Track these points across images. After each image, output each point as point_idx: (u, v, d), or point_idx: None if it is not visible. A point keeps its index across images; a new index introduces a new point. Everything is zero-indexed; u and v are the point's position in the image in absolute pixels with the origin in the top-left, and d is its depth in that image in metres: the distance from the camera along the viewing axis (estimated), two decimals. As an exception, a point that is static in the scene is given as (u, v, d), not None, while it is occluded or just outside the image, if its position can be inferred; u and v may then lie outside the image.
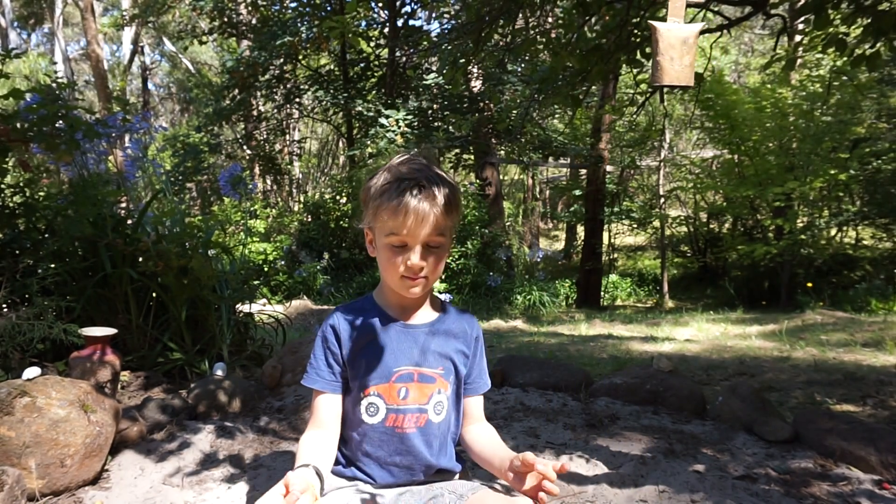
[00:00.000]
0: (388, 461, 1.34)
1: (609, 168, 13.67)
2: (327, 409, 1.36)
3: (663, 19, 2.12)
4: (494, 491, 1.28)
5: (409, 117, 9.62)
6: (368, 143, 9.67)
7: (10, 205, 3.18)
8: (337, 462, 1.38)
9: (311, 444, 1.32)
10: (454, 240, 1.44)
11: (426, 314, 1.40)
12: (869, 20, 2.82)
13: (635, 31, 3.41)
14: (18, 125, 2.89)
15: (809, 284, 9.02)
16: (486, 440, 1.43)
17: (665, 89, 2.37)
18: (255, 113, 13.78)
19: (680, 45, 2.06)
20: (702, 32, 2.39)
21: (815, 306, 7.44)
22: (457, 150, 11.84)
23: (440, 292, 9.17)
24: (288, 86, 12.55)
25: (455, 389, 1.40)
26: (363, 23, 11.72)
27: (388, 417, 1.32)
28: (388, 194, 1.21)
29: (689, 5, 3.30)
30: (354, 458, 1.37)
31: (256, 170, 14.08)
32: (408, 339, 1.34)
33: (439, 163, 1.33)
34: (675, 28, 2.08)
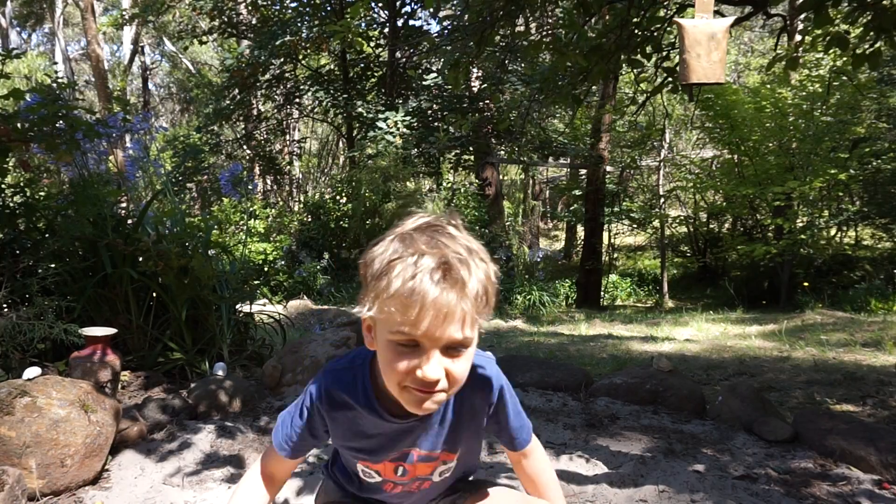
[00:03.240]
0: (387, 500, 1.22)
1: (609, 168, 13.67)
2: (282, 470, 1.19)
3: (665, 19, 2.12)
4: (511, 489, 1.25)
5: (408, 118, 9.61)
6: (368, 144, 9.67)
7: (11, 205, 3.18)
8: (334, 461, 1.26)
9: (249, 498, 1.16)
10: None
11: None
12: (870, 17, 2.82)
13: (636, 31, 3.40)
14: (19, 125, 2.89)
15: (806, 284, 9.02)
16: (527, 487, 1.27)
17: (696, 87, 2.34)
18: (254, 113, 13.78)
19: (707, 42, 2.05)
20: (733, 24, 2.37)
21: (814, 306, 7.44)
22: (457, 151, 11.84)
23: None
24: (288, 86, 12.55)
25: (466, 453, 1.20)
26: (363, 23, 11.72)
27: (385, 484, 1.17)
28: (397, 277, 0.85)
29: (690, 5, 3.30)
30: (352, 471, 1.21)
31: (256, 170, 14.07)
32: (408, 430, 1.08)
33: (466, 226, 0.97)
34: (701, 24, 2.06)
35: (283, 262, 9.75)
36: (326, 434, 1.13)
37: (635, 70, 3.64)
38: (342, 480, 1.23)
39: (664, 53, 3.64)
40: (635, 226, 14.60)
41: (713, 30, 2.05)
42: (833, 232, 10.69)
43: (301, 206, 12.67)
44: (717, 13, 4.08)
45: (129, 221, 3.42)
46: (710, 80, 2.08)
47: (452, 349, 0.90)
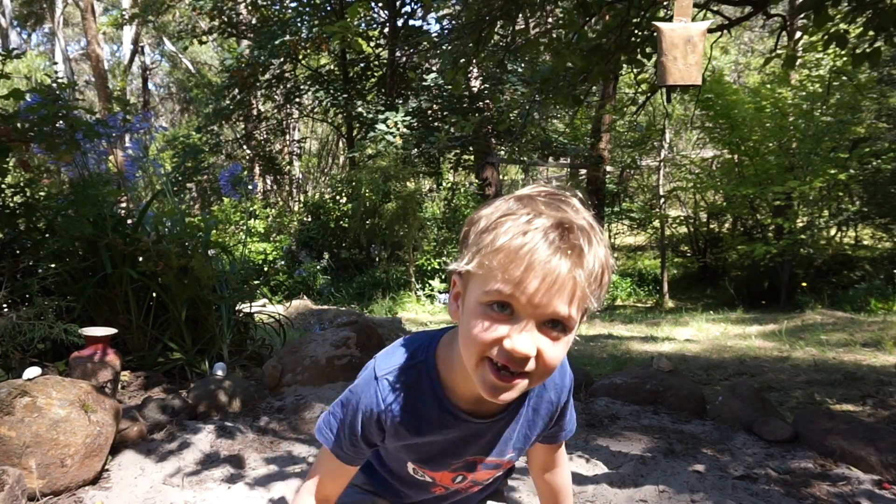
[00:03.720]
0: (418, 499, 1.12)
1: (609, 168, 13.67)
2: (340, 480, 1.04)
3: (666, 19, 2.13)
4: None
5: (409, 118, 9.62)
6: (368, 144, 9.68)
7: (11, 205, 3.18)
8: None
9: None
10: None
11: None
12: (869, 16, 2.83)
13: (636, 31, 3.41)
14: (19, 125, 2.89)
15: (805, 284, 9.02)
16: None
17: (673, 89, 2.37)
18: (254, 113, 13.78)
19: (683, 45, 2.06)
20: (710, 31, 2.39)
21: (814, 306, 7.44)
22: (457, 151, 11.84)
23: (440, 292, 9.17)
24: (288, 86, 12.56)
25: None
26: (363, 23, 11.72)
27: (435, 487, 1.07)
28: (507, 231, 0.74)
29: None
30: (381, 471, 1.12)
31: (256, 170, 14.08)
32: (475, 431, 0.96)
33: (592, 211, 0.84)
34: (678, 27, 2.08)
35: (283, 262, 9.76)
36: (384, 441, 0.99)
37: (635, 70, 3.65)
38: (374, 463, 1.11)
39: (664, 53, 3.64)
40: (635, 226, 14.60)
41: (690, 33, 2.07)
42: (833, 232, 10.69)
43: (301, 206, 12.67)
44: (717, 13, 4.09)
45: (129, 221, 3.42)
46: (687, 82, 2.10)
47: (552, 327, 0.76)
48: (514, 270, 0.73)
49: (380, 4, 11.64)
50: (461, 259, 0.79)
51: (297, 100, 13.21)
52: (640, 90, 4.24)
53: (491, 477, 1.07)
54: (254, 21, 12.21)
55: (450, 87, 8.77)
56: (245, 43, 12.85)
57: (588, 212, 0.81)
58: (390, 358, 0.96)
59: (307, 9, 11.15)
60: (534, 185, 0.83)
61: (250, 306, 3.71)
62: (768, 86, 9.94)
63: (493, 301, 0.75)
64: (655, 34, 2.13)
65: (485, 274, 0.75)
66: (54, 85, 3.21)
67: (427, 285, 9.30)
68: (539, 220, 0.74)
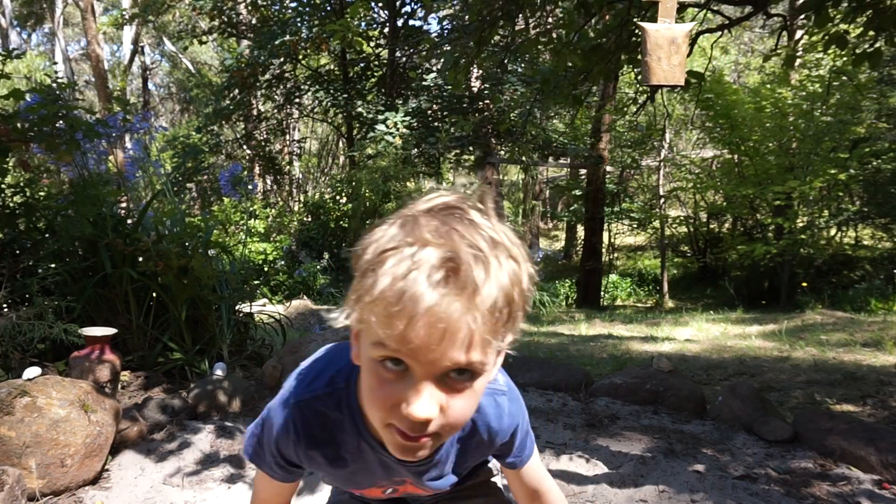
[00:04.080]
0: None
1: (609, 168, 13.68)
2: (283, 497, 1.00)
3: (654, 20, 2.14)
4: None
5: (408, 118, 9.62)
6: (368, 144, 9.68)
7: (11, 205, 3.18)
8: None
9: None
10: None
11: None
12: (869, 16, 2.83)
13: (636, 31, 3.40)
14: (19, 125, 2.89)
15: (804, 284, 9.02)
16: None
17: (661, 89, 2.39)
18: (254, 113, 13.78)
19: (667, 46, 2.07)
20: (700, 33, 2.40)
21: (814, 306, 7.44)
22: (457, 151, 11.85)
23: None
24: (288, 86, 12.56)
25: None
26: (363, 23, 11.72)
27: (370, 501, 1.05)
28: (386, 273, 0.63)
29: (689, 5, 3.30)
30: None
31: (256, 170, 14.08)
32: (401, 467, 0.89)
33: (501, 210, 0.73)
34: (663, 28, 2.09)
35: (283, 262, 9.75)
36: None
37: (635, 70, 3.65)
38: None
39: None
40: (635, 226, 14.61)
41: (674, 34, 2.09)
42: (833, 232, 10.69)
43: (301, 206, 12.67)
44: (718, 13, 4.09)
45: (129, 221, 3.42)
46: (670, 82, 2.12)
47: (458, 375, 0.66)
48: (396, 324, 0.62)
49: (380, 4, 11.64)
50: (348, 301, 0.68)
51: (297, 100, 13.20)
52: (640, 90, 4.23)
53: (434, 492, 1.00)
54: (254, 21, 12.21)
55: (450, 87, 8.77)
56: (245, 43, 12.86)
57: (492, 221, 0.69)
58: (307, 381, 0.88)
59: (307, 9, 11.15)
60: (430, 196, 0.71)
61: (250, 306, 3.71)
62: (768, 86, 9.95)
63: (383, 357, 0.66)
64: (640, 34, 2.14)
65: (369, 328, 0.66)
66: (54, 85, 3.22)
67: (427, 285, 9.30)
68: (422, 253, 0.63)
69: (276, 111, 13.90)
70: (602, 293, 12.33)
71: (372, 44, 12.04)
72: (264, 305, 5.82)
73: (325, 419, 0.85)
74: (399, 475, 0.91)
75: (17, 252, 3.11)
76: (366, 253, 0.67)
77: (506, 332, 0.68)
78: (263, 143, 13.99)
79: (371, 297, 0.63)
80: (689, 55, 2.26)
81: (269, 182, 15.06)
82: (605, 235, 14.65)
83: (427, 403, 0.65)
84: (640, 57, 3.51)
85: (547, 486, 1.05)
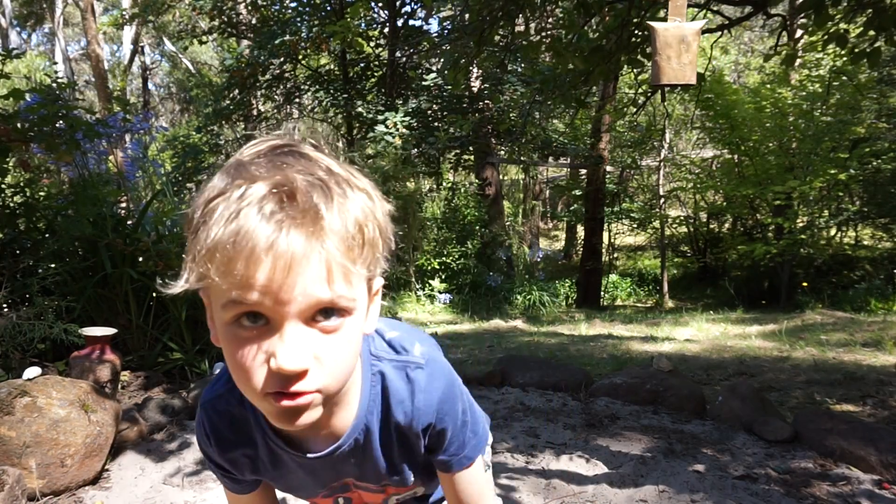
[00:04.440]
0: None
1: (609, 168, 13.68)
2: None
3: (664, 19, 2.13)
4: None
5: (408, 118, 9.62)
6: (368, 144, 9.69)
7: (11, 205, 3.18)
8: None
9: None
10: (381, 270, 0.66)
11: (342, 417, 0.77)
12: (869, 15, 2.83)
13: (636, 32, 3.41)
14: (19, 125, 2.89)
15: (804, 284, 9.03)
16: None
17: (668, 89, 2.38)
18: (254, 113, 13.78)
19: (678, 44, 2.07)
20: (704, 32, 2.39)
21: (814, 306, 7.44)
22: (457, 151, 11.85)
23: (440, 292, 9.19)
24: (288, 86, 12.56)
25: (430, 474, 0.91)
26: (363, 23, 11.72)
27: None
28: (221, 216, 0.56)
29: (689, 5, 3.30)
30: None
31: (256, 170, 14.08)
32: (320, 466, 0.80)
33: (335, 148, 0.69)
34: (672, 27, 2.09)
35: (283, 262, 9.75)
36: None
37: (635, 70, 3.65)
38: None
39: (664, 53, 3.64)
40: (635, 226, 14.61)
41: (684, 33, 2.08)
42: (833, 232, 10.69)
43: (301, 205, 12.63)
44: (718, 13, 4.09)
45: (129, 221, 3.42)
46: (681, 81, 2.11)
47: (324, 316, 0.59)
48: (236, 267, 0.55)
49: (380, 4, 11.64)
50: (185, 268, 0.59)
51: (297, 100, 13.21)
52: (640, 90, 4.24)
53: (386, 501, 0.91)
54: (254, 21, 12.21)
55: (450, 87, 8.77)
56: (245, 43, 12.86)
57: (329, 157, 0.63)
58: (214, 381, 0.81)
59: (307, 9, 11.15)
60: (255, 141, 0.64)
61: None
62: (768, 86, 9.95)
63: (237, 315, 0.58)
64: (649, 33, 2.14)
65: (212, 287, 0.59)
66: (54, 85, 3.22)
67: (427, 285, 9.30)
68: (252, 189, 0.56)
69: (276, 111, 13.90)
70: (602, 293, 12.33)
71: (372, 44, 12.05)
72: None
73: (232, 418, 0.78)
74: (334, 478, 0.83)
75: (17, 252, 3.11)
76: (195, 210, 0.59)
77: (367, 263, 0.61)
78: (263, 144, 13.98)
79: (205, 248, 0.56)
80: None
81: (269, 182, 15.05)
82: (605, 235, 14.65)
83: (296, 351, 0.58)
84: (650, 57, 3.52)
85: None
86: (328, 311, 0.59)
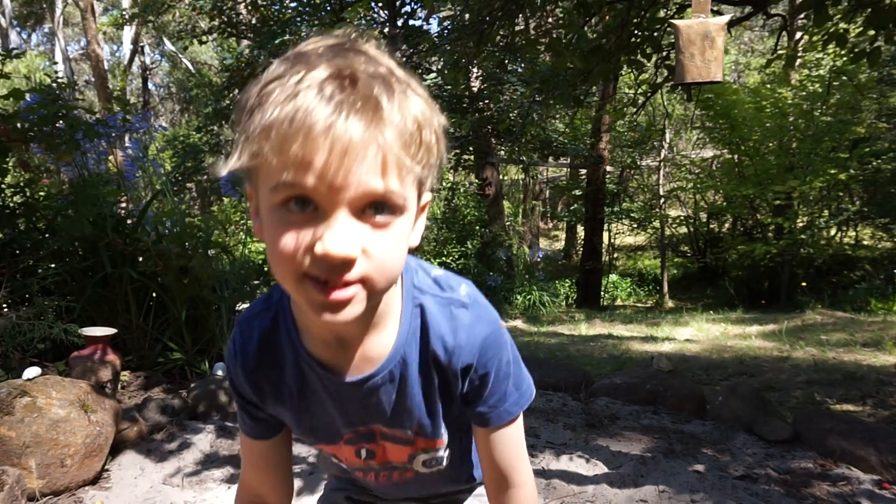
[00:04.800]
0: (377, 492, 0.96)
1: (609, 168, 13.68)
2: (259, 467, 0.87)
3: (665, 19, 2.13)
4: None
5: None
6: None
7: (11, 205, 3.18)
8: None
9: None
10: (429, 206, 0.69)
11: (379, 343, 0.74)
12: (868, 14, 2.83)
13: (636, 32, 3.41)
14: (19, 125, 2.89)
15: (804, 284, 9.03)
16: None
17: (693, 87, 2.33)
18: (255, 113, 13.78)
19: (701, 41, 2.05)
20: (731, 24, 2.36)
21: (814, 306, 7.44)
22: (457, 150, 11.85)
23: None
24: (288, 85, 12.56)
25: (460, 438, 0.88)
26: (363, 23, 11.72)
27: (353, 474, 0.91)
28: (278, 98, 0.55)
29: (689, 5, 3.30)
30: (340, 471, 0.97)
31: (256, 170, 14.08)
32: (349, 398, 0.76)
33: (398, 55, 0.67)
34: (695, 24, 2.07)
35: (283, 262, 9.76)
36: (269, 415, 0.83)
37: (635, 70, 3.65)
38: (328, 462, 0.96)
39: (664, 53, 3.65)
40: (635, 226, 14.61)
41: (707, 29, 2.06)
42: (833, 232, 10.70)
43: (301, 205, 12.65)
44: (717, 13, 4.09)
45: (129, 221, 3.42)
46: (706, 78, 2.08)
47: (374, 211, 0.58)
48: (292, 149, 0.54)
49: (380, 4, 11.65)
50: (234, 153, 0.58)
51: (297, 100, 13.21)
52: (640, 91, 4.24)
53: (412, 459, 0.85)
54: (254, 21, 12.22)
55: (450, 87, 8.76)
56: (245, 43, 12.86)
57: (390, 59, 0.62)
58: (255, 303, 0.80)
59: (307, 9, 11.16)
60: (312, 38, 0.63)
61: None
62: (768, 86, 9.95)
63: (286, 199, 0.56)
64: (672, 32, 2.12)
65: (264, 167, 0.57)
66: (54, 85, 3.22)
67: (427, 285, 9.32)
68: (313, 73, 0.55)
69: (275, 111, 13.89)
70: (602, 293, 12.33)
71: (372, 44, 12.04)
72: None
73: (264, 337, 0.77)
74: (362, 417, 0.78)
75: (17, 252, 3.11)
76: (250, 97, 0.59)
77: (422, 165, 0.59)
78: (263, 143, 14.00)
79: (260, 127, 0.55)
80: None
81: (269, 182, 15.05)
82: (605, 235, 14.65)
83: (345, 237, 0.56)
84: (650, 57, 3.52)
85: (519, 481, 0.84)
86: (379, 205, 0.58)
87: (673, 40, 3.32)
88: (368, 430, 0.80)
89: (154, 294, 3.17)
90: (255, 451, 0.86)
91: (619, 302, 13.08)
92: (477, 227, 9.95)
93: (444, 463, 0.87)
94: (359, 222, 0.57)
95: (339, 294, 0.58)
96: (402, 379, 0.75)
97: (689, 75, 2.08)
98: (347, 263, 0.57)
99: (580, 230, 15.56)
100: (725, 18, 2.13)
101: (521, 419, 0.85)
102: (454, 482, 0.95)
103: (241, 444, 0.87)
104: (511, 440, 0.84)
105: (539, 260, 12.72)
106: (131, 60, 20.79)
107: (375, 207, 0.58)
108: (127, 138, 3.88)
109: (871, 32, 2.91)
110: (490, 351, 0.77)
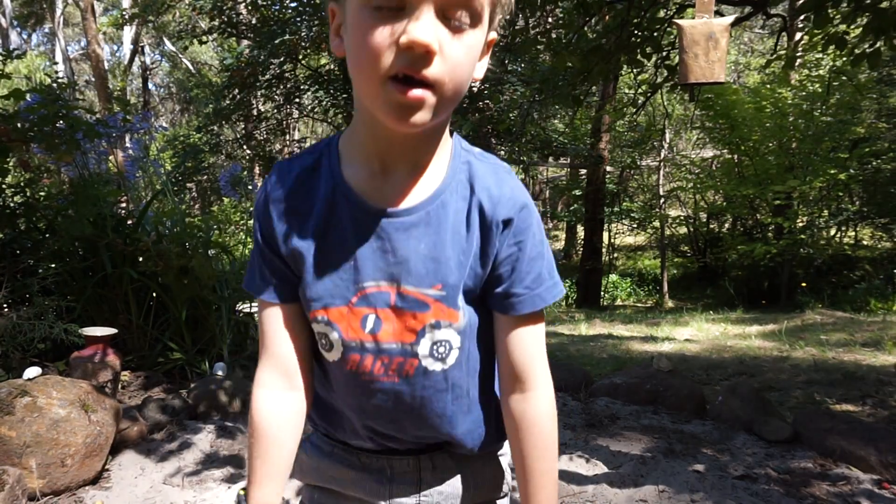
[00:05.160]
0: (362, 419, 0.82)
1: (609, 168, 13.68)
2: (275, 328, 0.80)
3: (665, 19, 2.13)
4: None
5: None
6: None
7: (11, 205, 3.18)
8: (315, 402, 0.85)
9: (264, 441, 0.78)
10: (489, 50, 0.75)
11: (422, 184, 0.75)
12: (869, 17, 2.83)
13: (636, 32, 3.41)
14: (19, 125, 2.89)
15: (804, 284, 9.03)
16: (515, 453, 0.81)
17: (696, 87, 2.33)
18: (254, 113, 13.78)
19: (705, 41, 2.05)
20: (734, 24, 2.36)
21: (814, 306, 7.44)
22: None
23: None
24: (288, 86, 12.55)
25: (477, 310, 0.80)
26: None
27: (347, 358, 0.78)
28: None
29: (689, 5, 3.30)
30: (328, 402, 0.86)
31: (256, 170, 14.08)
32: (379, 234, 0.74)
33: None
34: (699, 24, 2.07)
35: (283, 262, 9.76)
36: (282, 259, 0.79)
37: (635, 70, 3.65)
38: (314, 416, 0.88)
39: (664, 53, 3.65)
40: (635, 226, 14.61)
41: (711, 29, 2.06)
42: (833, 232, 10.70)
43: (301, 205, 12.64)
44: (717, 13, 4.09)
45: (129, 221, 3.42)
46: (709, 79, 2.08)
47: (452, 17, 0.63)
48: None
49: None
50: None
51: (297, 100, 13.20)
52: (640, 90, 4.24)
53: (421, 336, 0.76)
54: (254, 21, 12.21)
55: (450, 87, 8.76)
56: (245, 43, 12.86)
57: None
58: (301, 152, 0.83)
59: (307, 9, 11.15)
60: None
61: (250, 306, 3.71)
62: (768, 86, 9.95)
63: (376, 4, 0.61)
64: (674, 32, 2.12)
65: None
66: (54, 85, 3.22)
67: (427, 285, 9.32)
68: None
69: (276, 111, 13.90)
70: (602, 293, 12.33)
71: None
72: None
73: (302, 172, 0.78)
74: (382, 266, 0.75)
75: (18, 252, 3.11)
76: None
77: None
78: (263, 143, 13.99)
79: None
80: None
81: (269, 182, 15.05)
82: (605, 235, 14.66)
83: (428, 29, 0.61)
84: (650, 57, 3.52)
85: (539, 382, 0.79)
86: (461, 9, 0.63)
87: (673, 40, 3.32)
88: (385, 289, 0.75)
89: (154, 294, 3.17)
90: (270, 314, 0.80)
91: (619, 302, 13.08)
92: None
93: (452, 358, 0.78)
94: (440, 24, 0.62)
95: (415, 92, 0.62)
96: (439, 223, 0.74)
97: (692, 75, 2.08)
98: (428, 56, 0.61)
99: (580, 230, 15.56)
100: (730, 19, 2.13)
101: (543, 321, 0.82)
102: (450, 412, 0.81)
103: (261, 316, 0.82)
104: (538, 335, 0.81)
105: (539, 260, 12.69)
106: (131, 60, 20.80)
107: (457, 9, 0.63)
108: (127, 138, 3.89)
109: (871, 35, 2.91)
110: (528, 218, 0.77)
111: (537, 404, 0.79)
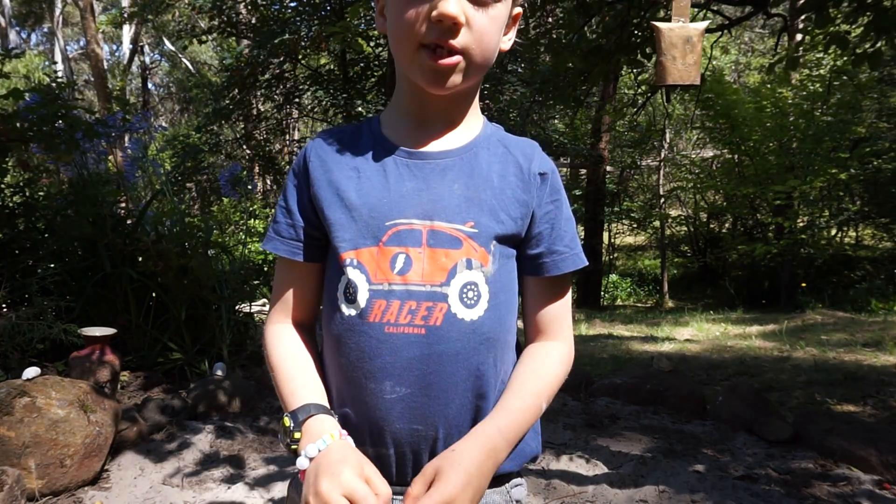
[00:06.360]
0: (382, 404, 0.76)
1: (609, 168, 13.68)
2: (289, 284, 0.85)
3: (667, 19, 2.13)
4: None
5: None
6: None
7: (10, 205, 3.18)
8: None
9: (292, 360, 0.82)
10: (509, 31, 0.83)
11: (455, 136, 0.82)
12: (870, 17, 2.83)
13: (636, 32, 3.40)
14: (18, 125, 2.89)
15: (805, 284, 9.03)
16: (513, 376, 0.84)
17: (672, 89, 2.37)
18: (254, 113, 13.77)
19: (682, 45, 2.07)
20: (710, 31, 2.39)
21: (815, 306, 7.44)
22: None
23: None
24: (287, 85, 12.55)
25: (505, 266, 0.80)
26: (363, 23, 11.72)
27: (371, 306, 0.75)
28: None
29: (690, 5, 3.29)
30: (329, 387, 0.83)
31: (256, 170, 14.07)
32: (415, 174, 0.79)
33: None
34: (677, 27, 2.09)
35: (283, 262, 9.75)
36: (311, 214, 0.82)
37: (635, 71, 3.64)
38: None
39: (664, 53, 3.64)
40: (635, 226, 14.61)
41: (688, 33, 2.08)
42: (833, 232, 10.69)
43: (301, 205, 12.63)
44: (718, 13, 4.09)
45: (129, 221, 3.42)
46: (686, 81, 2.11)
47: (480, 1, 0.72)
48: None
49: (380, 4, 11.64)
50: None
51: (297, 100, 13.19)
52: (640, 91, 4.23)
53: (452, 276, 0.75)
54: (254, 21, 12.21)
55: (450, 86, 8.75)
56: (245, 42, 12.86)
57: None
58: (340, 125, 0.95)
59: (307, 9, 11.15)
60: None
61: (250, 306, 3.71)
62: (768, 86, 9.95)
63: None
64: (653, 34, 2.13)
65: None
66: (53, 84, 3.21)
67: (427, 285, 9.32)
68: None
69: (275, 111, 13.89)
70: (602, 293, 12.33)
71: (372, 44, 12.04)
72: (264, 305, 5.82)
73: (343, 136, 0.87)
74: (416, 196, 0.77)
75: (17, 252, 3.11)
76: None
77: None
78: (263, 143, 13.99)
79: None
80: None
81: (268, 182, 15.06)
82: (605, 235, 14.66)
83: (456, 2, 0.70)
84: (650, 57, 3.52)
85: (563, 336, 0.88)
86: None
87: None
88: (414, 228, 0.77)
89: (154, 294, 3.17)
90: (288, 274, 0.86)
91: (619, 302, 13.08)
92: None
93: (480, 308, 0.77)
94: (467, 2, 0.72)
95: (446, 60, 0.73)
96: (472, 169, 0.81)
97: (670, 77, 2.11)
98: (455, 28, 0.71)
99: (580, 230, 15.57)
100: (704, 24, 2.15)
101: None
102: (484, 370, 0.78)
103: (276, 272, 0.88)
104: (567, 295, 0.90)
105: (539, 260, 12.70)
106: (131, 60, 20.79)
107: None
108: (126, 138, 3.88)
109: (872, 35, 2.91)
110: (559, 180, 0.86)
111: (553, 347, 0.89)
